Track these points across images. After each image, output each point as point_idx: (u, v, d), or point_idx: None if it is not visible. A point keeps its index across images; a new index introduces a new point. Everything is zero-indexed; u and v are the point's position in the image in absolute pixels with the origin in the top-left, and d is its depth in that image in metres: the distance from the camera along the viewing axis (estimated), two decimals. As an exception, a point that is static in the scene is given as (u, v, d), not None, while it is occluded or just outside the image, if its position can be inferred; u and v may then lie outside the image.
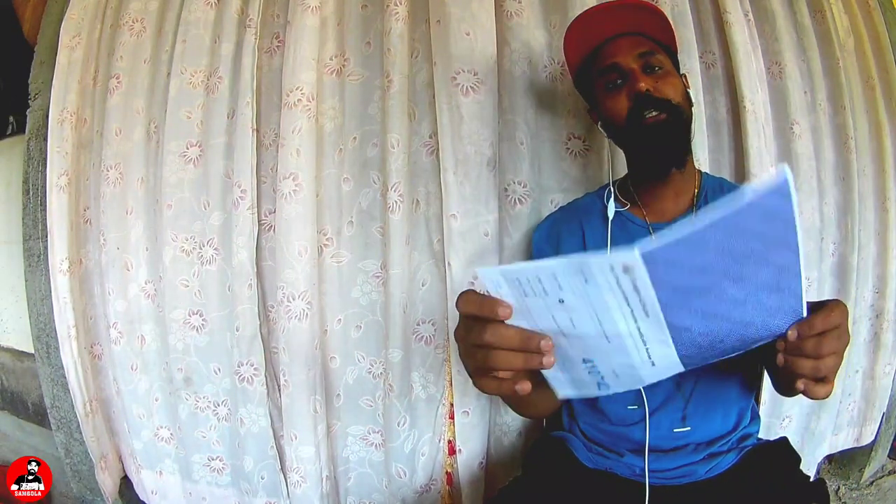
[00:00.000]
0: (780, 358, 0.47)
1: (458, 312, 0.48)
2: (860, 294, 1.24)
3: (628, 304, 0.40)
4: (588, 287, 0.40)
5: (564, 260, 0.39)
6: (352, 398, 1.11)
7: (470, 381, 0.96)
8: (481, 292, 0.46)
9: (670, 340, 0.44)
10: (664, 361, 0.46)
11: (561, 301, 0.41)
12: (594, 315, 0.42)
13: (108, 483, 1.27)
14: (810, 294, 1.10)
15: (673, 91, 0.74)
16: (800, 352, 0.46)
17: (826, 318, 0.46)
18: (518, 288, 0.42)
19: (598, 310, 0.41)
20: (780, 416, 1.16)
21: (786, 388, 0.74)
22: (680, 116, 0.75)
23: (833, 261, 1.19)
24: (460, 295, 0.47)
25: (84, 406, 1.24)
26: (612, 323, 0.42)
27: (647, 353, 0.45)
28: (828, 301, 0.49)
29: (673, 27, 0.83)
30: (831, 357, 0.46)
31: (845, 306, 0.49)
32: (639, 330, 0.42)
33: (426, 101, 1.02)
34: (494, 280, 0.42)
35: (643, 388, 0.75)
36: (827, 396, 0.48)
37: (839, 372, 1.19)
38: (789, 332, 0.45)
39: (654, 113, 0.73)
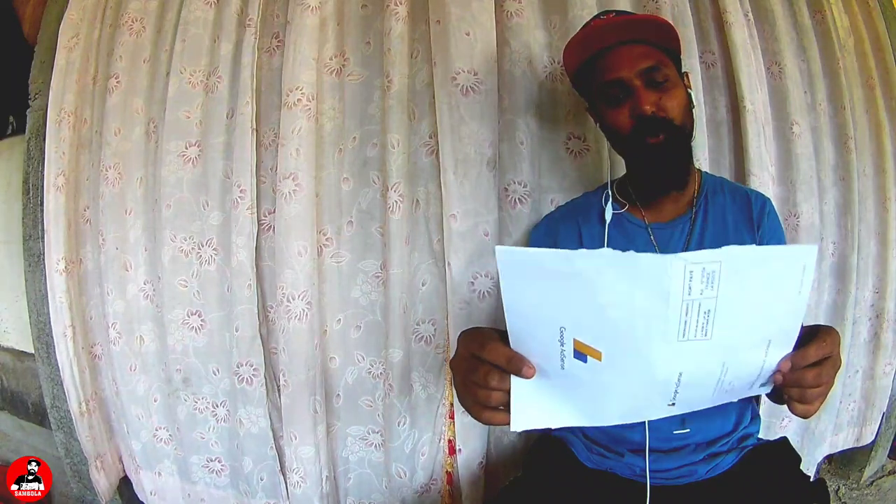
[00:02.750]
0: (779, 377, 0.48)
1: (462, 348, 0.50)
2: (860, 294, 1.24)
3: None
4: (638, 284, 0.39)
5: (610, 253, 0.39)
6: (351, 398, 1.11)
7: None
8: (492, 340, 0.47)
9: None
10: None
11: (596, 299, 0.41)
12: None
13: (102, 483, 1.27)
14: (810, 294, 1.11)
15: (677, 105, 0.73)
16: (794, 382, 0.47)
17: (819, 348, 0.47)
18: (539, 271, 0.41)
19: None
20: (780, 415, 1.16)
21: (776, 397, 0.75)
22: (682, 137, 0.74)
23: (833, 261, 1.19)
24: (487, 344, 0.47)
25: (79, 406, 1.24)
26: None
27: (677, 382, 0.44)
28: (820, 328, 0.49)
29: (676, 29, 0.81)
30: (822, 386, 0.48)
31: (837, 334, 0.50)
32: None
33: (426, 101, 1.02)
34: (511, 261, 0.41)
35: None
36: (808, 417, 0.50)
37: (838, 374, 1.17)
38: (783, 364, 0.46)
39: (655, 135, 0.72)
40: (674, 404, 0.44)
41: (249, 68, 1.09)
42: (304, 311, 1.05)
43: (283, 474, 1.14)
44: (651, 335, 0.42)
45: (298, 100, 1.04)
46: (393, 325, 1.04)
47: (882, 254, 1.27)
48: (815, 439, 1.23)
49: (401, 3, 1.02)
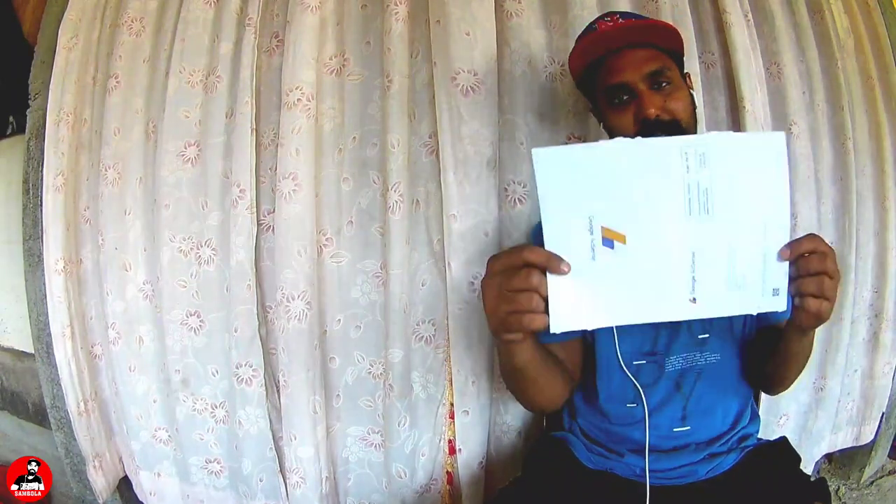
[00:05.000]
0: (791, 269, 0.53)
1: (501, 265, 0.53)
2: (859, 293, 1.24)
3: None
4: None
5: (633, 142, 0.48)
6: (351, 399, 1.11)
7: (470, 380, 0.97)
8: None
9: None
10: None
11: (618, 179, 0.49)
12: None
13: (100, 482, 1.27)
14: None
15: (682, 108, 0.74)
16: (804, 270, 0.52)
17: (809, 239, 0.53)
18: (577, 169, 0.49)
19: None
20: (778, 414, 1.16)
21: (774, 381, 0.78)
22: None
23: (831, 260, 1.19)
24: (526, 248, 0.52)
25: (78, 405, 1.24)
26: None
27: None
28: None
29: (679, 32, 0.81)
30: (830, 282, 0.53)
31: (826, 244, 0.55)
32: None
33: (426, 101, 1.02)
34: (546, 160, 0.49)
35: (641, 388, 0.75)
36: (823, 317, 0.55)
37: (836, 369, 1.19)
38: (782, 251, 0.52)
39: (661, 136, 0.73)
40: (694, 300, 0.49)
41: (249, 68, 1.09)
42: (303, 311, 1.05)
43: (283, 475, 1.14)
44: (664, 212, 0.49)
45: (298, 100, 1.04)
46: (393, 325, 1.04)
47: (881, 254, 1.27)
48: (812, 437, 1.23)
49: (401, 3, 1.02)
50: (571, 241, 0.50)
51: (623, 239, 0.49)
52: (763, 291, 0.52)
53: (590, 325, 0.53)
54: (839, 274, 0.55)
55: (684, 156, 0.48)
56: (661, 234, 0.50)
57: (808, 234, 0.54)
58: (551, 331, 0.52)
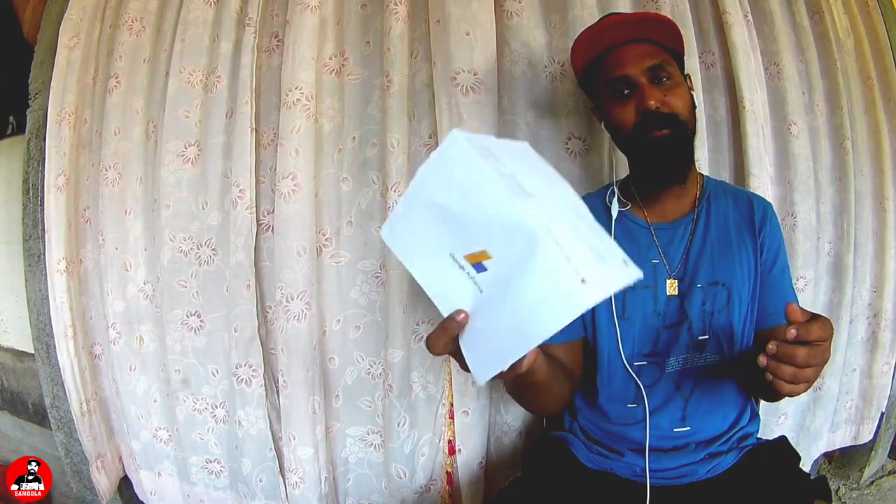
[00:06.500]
0: (763, 360, 0.52)
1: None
2: (857, 293, 1.24)
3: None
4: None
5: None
6: (351, 399, 1.11)
7: (470, 380, 0.97)
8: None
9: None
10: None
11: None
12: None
13: (103, 482, 1.27)
14: (807, 293, 1.11)
15: (681, 104, 0.75)
16: (786, 358, 0.51)
17: (822, 328, 0.50)
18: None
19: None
20: (777, 413, 1.16)
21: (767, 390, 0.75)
22: (685, 132, 0.75)
23: (829, 260, 1.19)
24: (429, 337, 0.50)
25: (80, 406, 1.24)
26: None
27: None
28: (819, 316, 0.52)
29: (679, 30, 0.82)
30: (812, 369, 0.51)
31: (832, 326, 0.53)
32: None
33: (426, 101, 1.02)
34: (393, 232, 0.49)
35: (644, 387, 0.76)
36: (793, 395, 0.54)
37: (835, 369, 1.19)
38: (769, 346, 0.50)
39: (660, 129, 0.73)
40: (584, 280, 0.40)
41: (249, 68, 1.09)
42: (303, 311, 1.05)
43: (283, 475, 1.14)
44: (496, 211, 0.43)
45: (298, 99, 1.04)
46: (393, 325, 1.04)
47: (879, 253, 1.27)
48: (810, 436, 1.23)
49: (401, 3, 1.02)
50: (452, 287, 0.48)
51: (486, 255, 0.46)
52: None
53: (510, 361, 0.45)
54: (829, 356, 0.52)
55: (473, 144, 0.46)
56: (508, 228, 0.43)
57: (817, 322, 0.51)
58: (479, 384, 0.49)
